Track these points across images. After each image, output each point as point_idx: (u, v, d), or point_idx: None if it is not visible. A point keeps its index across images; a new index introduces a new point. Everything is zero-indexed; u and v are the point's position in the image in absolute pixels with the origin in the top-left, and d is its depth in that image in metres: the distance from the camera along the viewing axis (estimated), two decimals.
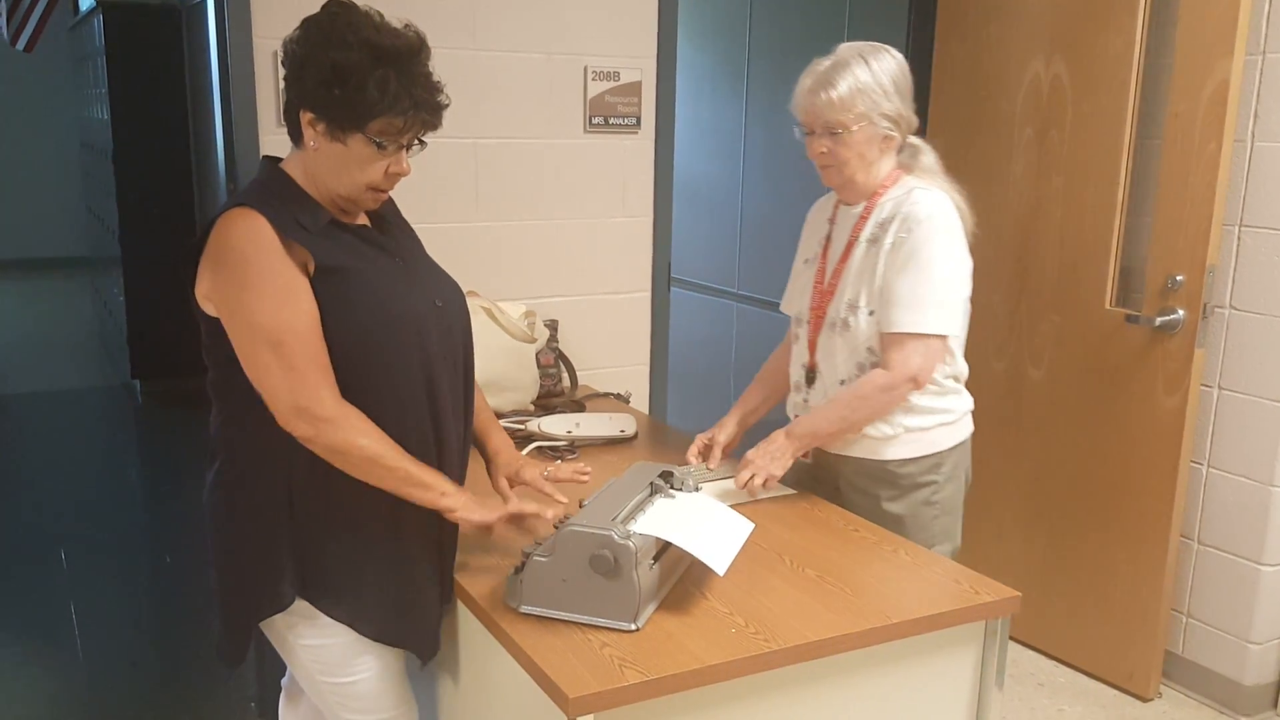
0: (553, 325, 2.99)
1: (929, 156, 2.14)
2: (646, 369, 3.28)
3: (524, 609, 1.62)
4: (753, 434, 2.41)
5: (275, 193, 1.65)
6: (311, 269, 1.60)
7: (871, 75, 2.01)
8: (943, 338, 2.04)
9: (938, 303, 2.01)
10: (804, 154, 2.13)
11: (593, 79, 2.99)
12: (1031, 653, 3.32)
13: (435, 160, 2.72)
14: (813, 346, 2.19)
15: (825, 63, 2.05)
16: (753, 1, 4.66)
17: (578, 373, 3.02)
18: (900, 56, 2.07)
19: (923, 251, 2.00)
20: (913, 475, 2.12)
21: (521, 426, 2.54)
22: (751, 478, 2.07)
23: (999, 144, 3.26)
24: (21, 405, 6.10)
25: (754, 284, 4.82)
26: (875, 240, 2.07)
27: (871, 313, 2.06)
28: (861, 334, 2.08)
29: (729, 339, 5.05)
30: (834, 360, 2.14)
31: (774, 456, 2.09)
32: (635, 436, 2.56)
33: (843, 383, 2.12)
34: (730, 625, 1.61)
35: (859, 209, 2.13)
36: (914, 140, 2.12)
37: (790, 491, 2.22)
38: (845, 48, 2.06)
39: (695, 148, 5.05)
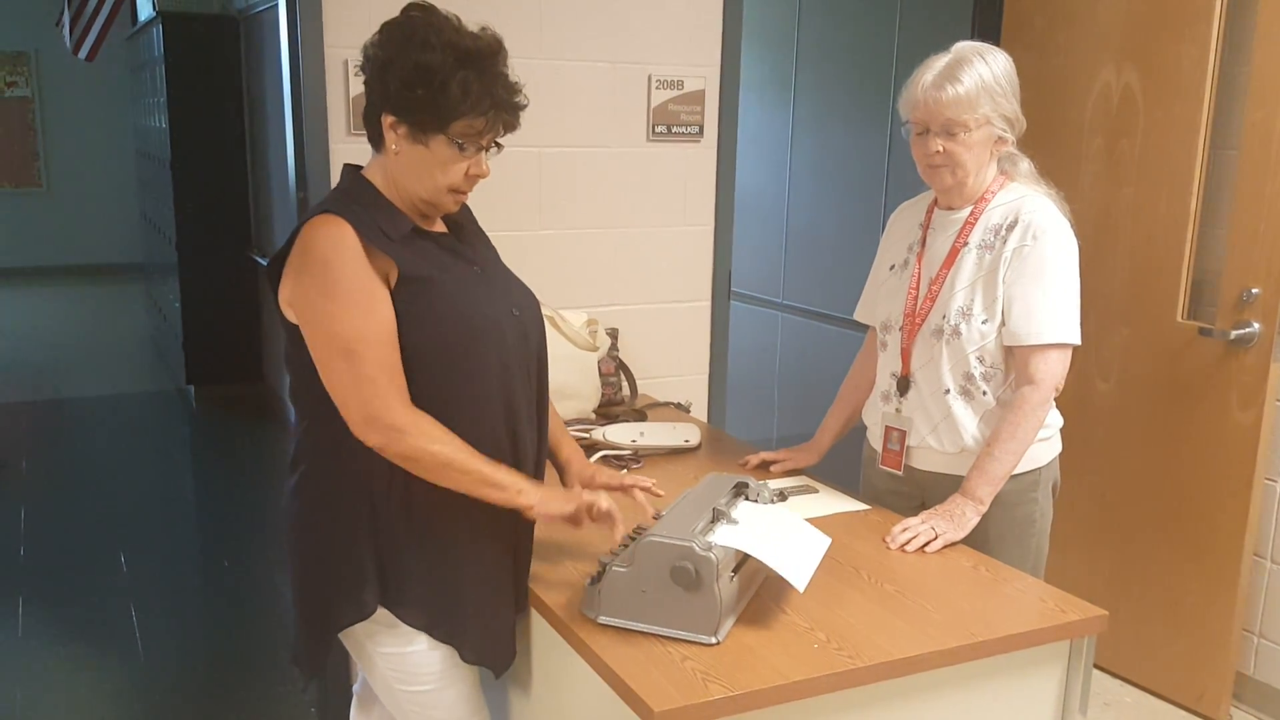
0: (613, 334, 2.98)
1: (1026, 163, 2.10)
2: (705, 378, 3.26)
3: (602, 619, 1.61)
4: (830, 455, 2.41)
5: (359, 200, 1.65)
6: (394, 278, 1.60)
7: (992, 74, 1.96)
8: (1076, 347, 2.02)
9: (1073, 312, 2.00)
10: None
11: (656, 87, 2.98)
12: (1098, 672, 3.25)
13: (500, 168, 2.69)
14: (907, 355, 2.13)
15: (943, 59, 1.99)
16: (800, 11, 4.64)
17: (637, 381, 3.01)
18: (1009, 57, 2.01)
19: (1053, 261, 1.97)
20: (1012, 493, 2.06)
21: (586, 435, 2.53)
22: (914, 538, 1.95)
23: (1066, 153, 3.21)
24: (78, 409, 6.19)
25: (800, 294, 4.79)
26: (988, 247, 2.03)
27: (985, 321, 2.02)
28: (973, 342, 2.03)
29: (774, 348, 5.02)
30: (936, 368, 2.08)
31: (954, 518, 1.98)
32: (699, 446, 2.55)
33: (948, 392, 2.07)
34: (812, 640, 1.58)
35: (963, 214, 2.08)
36: (1010, 148, 2.07)
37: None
38: (962, 45, 2.00)
39: (742, 157, 5.02)
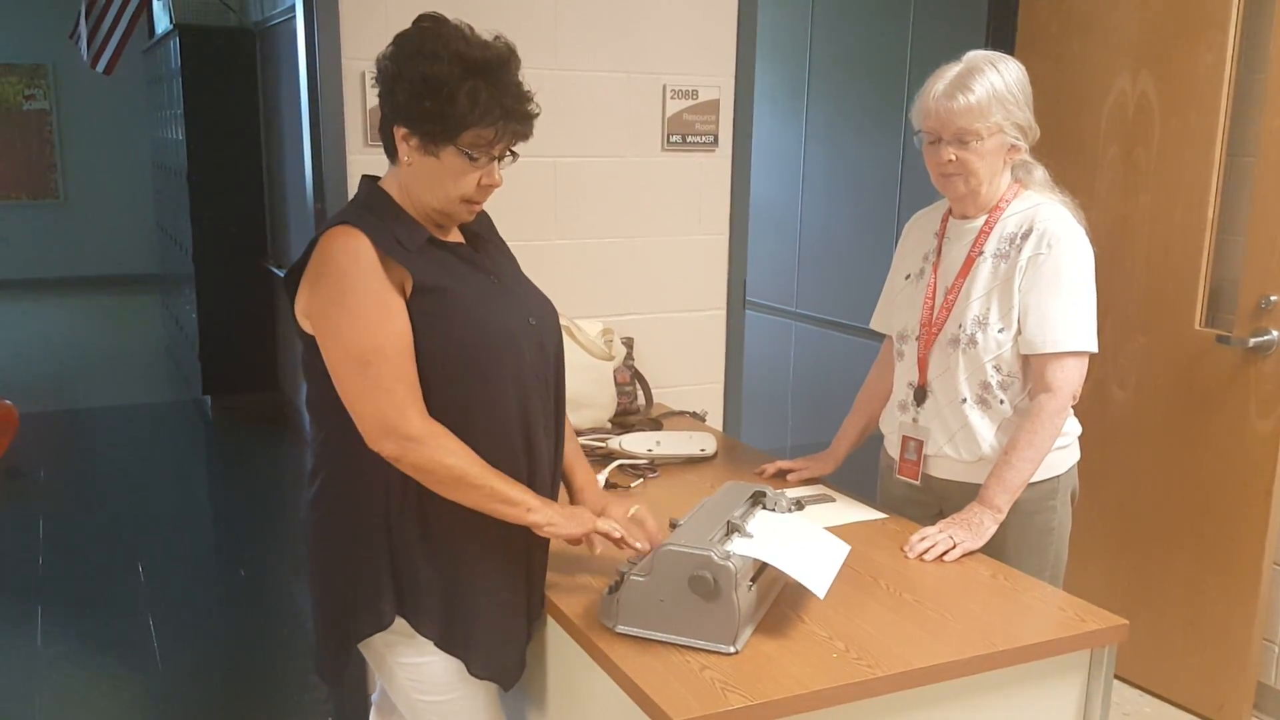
0: (629, 343, 2.98)
1: (1040, 171, 2.10)
2: (720, 387, 3.26)
3: (620, 629, 1.61)
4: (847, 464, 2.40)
5: (375, 210, 1.66)
6: (409, 288, 1.61)
7: (1004, 83, 1.96)
8: (1093, 355, 2.01)
9: (1090, 319, 1.99)
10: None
11: (671, 97, 2.99)
12: (1116, 682, 3.22)
13: (516, 179, 2.72)
14: (923, 364, 2.13)
15: (955, 68, 1.99)
16: (813, 20, 4.65)
17: (653, 390, 3.01)
18: (1022, 65, 2.01)
19: (1069, 268, 1.97)
20: (1030, 501, 2.06)
21: (602, 444, 2.53)
22: (932, 546, 1.95)
23: (1082, 162, 3.20)
24: (95, 419, 6.23)
25: (813, 303, 4.79)
26: (1004, 256, 2.02)
27: (1002, 330, 2.01)
28: (990, 351, 2.02)
29: (787, 357, 5.02)
30: (953, 378, 2.08)
31: (972, 527, 1.98)
32: (715, 455, 2.55)
33: (964, 401, 2.06)
34: (831, 650, 1.58)
35: (978, 223, 2.08)
36: (1024, 156, 2.07)
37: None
38: (974, 54, 2.00)
39: (755, 166, 5.04)
